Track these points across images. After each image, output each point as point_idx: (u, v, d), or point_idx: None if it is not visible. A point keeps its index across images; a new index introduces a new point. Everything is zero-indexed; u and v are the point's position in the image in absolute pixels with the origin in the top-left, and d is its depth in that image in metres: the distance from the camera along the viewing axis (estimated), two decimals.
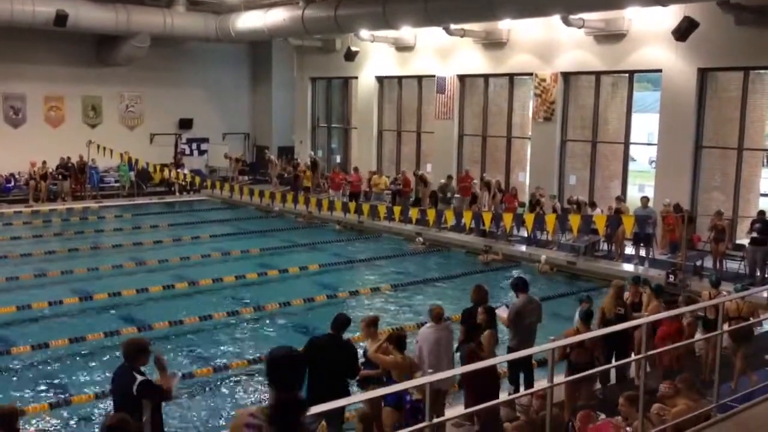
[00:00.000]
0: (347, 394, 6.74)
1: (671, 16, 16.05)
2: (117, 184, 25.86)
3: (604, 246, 16.92)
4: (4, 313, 12.18)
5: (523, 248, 17.48)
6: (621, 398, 6.60)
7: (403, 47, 23.45)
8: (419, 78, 23.74)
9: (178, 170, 24.96)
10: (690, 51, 16.37)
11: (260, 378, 9.93)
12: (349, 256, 17.54)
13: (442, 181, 20.72)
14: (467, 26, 19.99)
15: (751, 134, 16.63)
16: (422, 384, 5.52)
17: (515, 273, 14.90)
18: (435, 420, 5.43)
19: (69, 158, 24.36)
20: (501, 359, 7.38)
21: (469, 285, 8.83)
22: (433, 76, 22.66)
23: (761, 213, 14.62)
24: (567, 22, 17.22)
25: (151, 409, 5.85)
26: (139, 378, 5.75)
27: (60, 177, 24.18)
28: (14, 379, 9.82)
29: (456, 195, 20.44)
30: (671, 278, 13.84)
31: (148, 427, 5.79)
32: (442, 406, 7.68)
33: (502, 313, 8.74)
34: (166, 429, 6.40)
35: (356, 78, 25.68)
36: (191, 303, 13.26)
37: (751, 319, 9.27)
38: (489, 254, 17.12)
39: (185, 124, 28.43)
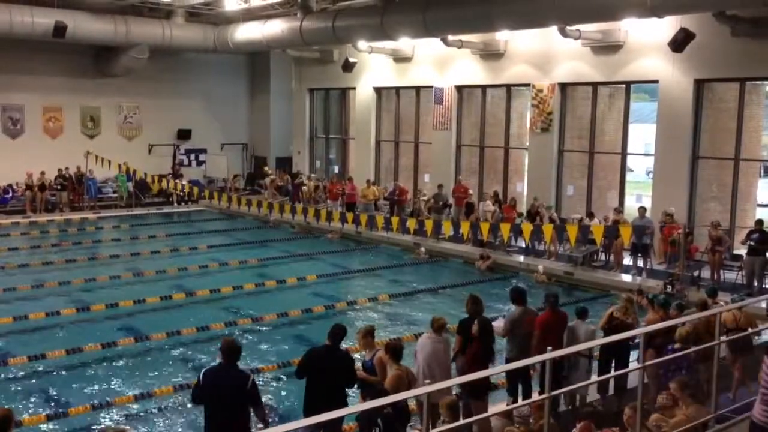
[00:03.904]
0: (345, 404, 6.73)
1: (667, 27, 16.12)
2: (115, 195, 25.89)
3: (602, 256, 16.96)
4: (1, 324, 12.15)
5: (521, 258, 17.49)
6: (627, 408, 6.58)
7: (401, 58, 23.53)
8: (417, 89, 23.80)
9: (176, 181, 24.97)
10: (686, 62, 16.44)
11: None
12: (347, 266, 17.53)
13: (436, 191, 20.77)
14: (465, 37, 20.06)
15: (747, 145, 16.70)
16: (420, 394, 5.50)
17: (513, 283, 14.89)
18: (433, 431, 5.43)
19: (67, 169, 24.38)
20: (499, 370, 7.39)
21: (467, 294, 8.82)
22: (431, 86, 22.72)
23: (759, 223, 14.65)
24: (564, 34, 17.29)
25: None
26: (252, 376, 5.83)
27: (58, 188, 24.19)
28: (11, 389, 9.77)
29: (449, 204, 20.48)
30: (669, 288, 13.84)
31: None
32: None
33: (498, 324, 8.73)
34: None
35: (354, 89, 25.74)
36: (189, 314, 13.23)
37: (749, 329, 9.26)
38: (484, 261, 17.16)
39: (183, 134, 28.46)
